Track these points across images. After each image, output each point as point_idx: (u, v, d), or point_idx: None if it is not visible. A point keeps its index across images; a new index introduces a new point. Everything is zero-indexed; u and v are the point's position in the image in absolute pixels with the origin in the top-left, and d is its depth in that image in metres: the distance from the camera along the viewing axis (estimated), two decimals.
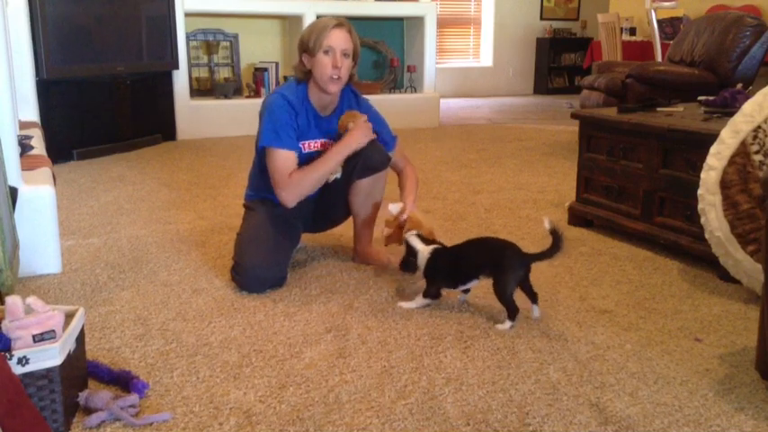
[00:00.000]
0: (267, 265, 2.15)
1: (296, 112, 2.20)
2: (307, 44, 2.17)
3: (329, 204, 2.39)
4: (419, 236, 2.08)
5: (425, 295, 2.03)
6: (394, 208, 2.23)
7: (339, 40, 2.14)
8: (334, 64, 2.14)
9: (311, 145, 2.25)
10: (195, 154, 4.60)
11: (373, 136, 2.23)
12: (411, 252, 2.05)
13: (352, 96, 2.34)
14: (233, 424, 1.42)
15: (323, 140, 2.27)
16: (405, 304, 2.02)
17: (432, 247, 2.03)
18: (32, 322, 1.33)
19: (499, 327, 1.88)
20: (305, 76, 2.23)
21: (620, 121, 2.62)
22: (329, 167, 2.18)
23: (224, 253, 2.49)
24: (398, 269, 2.12)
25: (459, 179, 3.86)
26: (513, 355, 1.73)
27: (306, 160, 2.23)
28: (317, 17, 5.61)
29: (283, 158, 2.15)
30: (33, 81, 3.90)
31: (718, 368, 1.67)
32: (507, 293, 1.89)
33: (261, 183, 2.33)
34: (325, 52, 2.14)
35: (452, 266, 1.99)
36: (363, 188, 2.31)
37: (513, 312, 1.89)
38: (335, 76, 2.16)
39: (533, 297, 1.94)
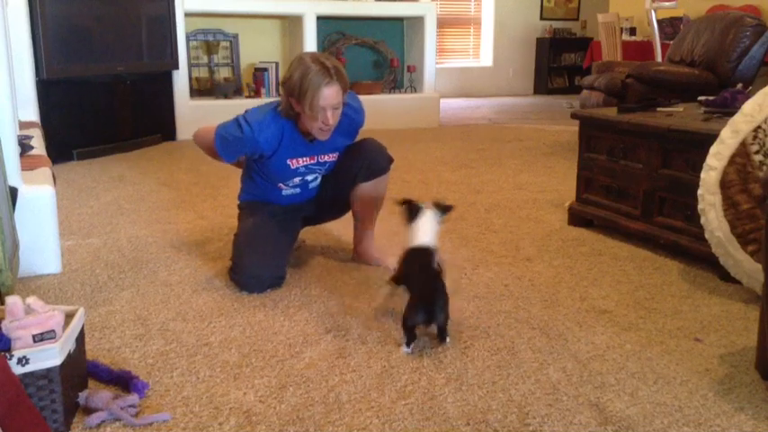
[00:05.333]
0: (265, 265, 2.16)
1: (276, 144, 2.16)
2: (297, 96, 2.06)
3: (331, 199, 2.39)
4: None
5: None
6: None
7: (330, 98, 2.05)
8: (324, 121, 2.08)
9: (299, 161, 2.23)
10: (195, 154, 4.59)
11: None
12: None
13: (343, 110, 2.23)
14: (233, 424, 1.42)
15: (310, 156, 2.24)
16: None
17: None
18: (32, 322, 1.33)
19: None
20: (294, 115, 2.15)
21: (620, 121, 2.62)
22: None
23: (224, 253, 2.49)
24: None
25: (459, 179, 3.86)
26: (513, 355, 1.73)
27: (293, 175, 2.25)
28: (317, 18, 5.71)
29: (210, 137, 2.20)
30: (33, 81, 3.90)
31: (718, 368, 1.67)
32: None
33: (251, 187, 2.35)
34: (317, 111, 2.07)
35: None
36: (366, 190, 2.31)
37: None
38: (326, 129, 2.12)
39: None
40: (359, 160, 2.28)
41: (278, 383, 1.58)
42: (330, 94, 2.04)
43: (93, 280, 2.25)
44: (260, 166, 2.26)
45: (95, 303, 2.05)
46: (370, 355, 1.72)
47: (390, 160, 2.34)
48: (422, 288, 1.79)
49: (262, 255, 2.16)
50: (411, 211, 1.93)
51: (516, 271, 2.34)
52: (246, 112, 2.18)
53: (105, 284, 2.21)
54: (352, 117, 2.24)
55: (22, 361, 1.29)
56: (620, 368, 1.66)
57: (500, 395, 1.54)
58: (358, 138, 2.35)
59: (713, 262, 2.19)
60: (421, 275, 1.82)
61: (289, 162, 2.21)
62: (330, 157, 2.29)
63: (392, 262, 2.36)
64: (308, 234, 2.65)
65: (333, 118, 2.08)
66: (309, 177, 2.31)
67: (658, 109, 2.84)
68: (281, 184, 2.29)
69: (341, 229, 2.75)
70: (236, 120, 2.16)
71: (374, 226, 2.42)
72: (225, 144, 2.18)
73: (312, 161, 2.26)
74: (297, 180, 2.29)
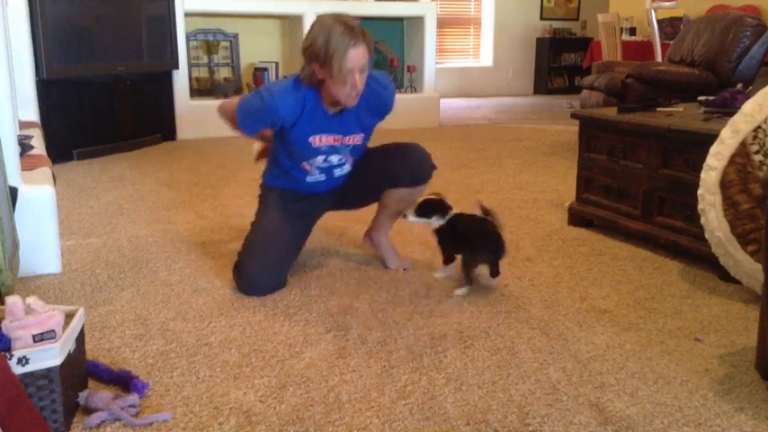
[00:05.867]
0: (269, 275, 2.15)
1: (298, 113, 2.11)
2: (322, 59, 1.98)
3: (359, 194, 2.38)
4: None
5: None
6: None
7: (358, 59, 1.99)
8: (353, 85, 2.02)
9: (322, 139, 2.17)
10: (195, 154, 4.60)
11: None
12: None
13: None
14: (233, 424, 1.42)
15: (335, 136, 2.18)
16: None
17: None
18: (32, 322, 1.33)
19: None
20: (316, 84, 2.09)
21: (620, 121, 2.62)
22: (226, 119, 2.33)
23: (224, 253, 2.49)
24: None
25: (459, 179, 3.86)
26: (513, 355, 1.73)
27: (316, 154, 2.19)
28: (317, 17, 5.69)
29: (233, 108, 2.19)
30: (33, 81, 3.90)
31: (718, 368, 1.67)
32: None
33: (276, 169, 2.31)
34: (345, 73, 2.00)
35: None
36: (404, 194, 2.30)
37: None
38: (354, 94, 2.05)
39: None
40: (404, 165, 2.26)
41: (278, 383, 1.58)
42: (357, 55, 1.98)
43: (93, 280, 2.25)
44: (283, 143, 2.20)
45: (95, 303, 2.05)
46: (370, 355, 1.72)
47: (434, 168, 2.33)
48: (478, 233, 2.17)
49: (266, 264, 2.14)
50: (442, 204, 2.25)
51: (516, 271, 2.34)
52: (268, 84, 2.17)
53: (105, 284, 2.21)
54: (375, 90, 2.15)
55: (22, 361, 1.29)
56: (620, 368, 1.66)
57: (500, 395, 1.54)
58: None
59: (713, 262, 2.19)
60: (474, 225, 2.18)
61: (311, 140, 2.15)
62: (355, 140, 2.22)
63: (394, 263, 2.37)
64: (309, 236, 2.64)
65: (360, 81, 2.02)
66: (334, 160, 2.24)
67: (658, 109, 2.84)
68: (305, 164, 2.22)
69: (341, 228, 2.75)
70: (258, 91, 2.13)
71: (396, 219, 2.42)
72: (246, 115, 2.15)
73: (336, 143, 2.19)
74: (320, 160, 2.22)
